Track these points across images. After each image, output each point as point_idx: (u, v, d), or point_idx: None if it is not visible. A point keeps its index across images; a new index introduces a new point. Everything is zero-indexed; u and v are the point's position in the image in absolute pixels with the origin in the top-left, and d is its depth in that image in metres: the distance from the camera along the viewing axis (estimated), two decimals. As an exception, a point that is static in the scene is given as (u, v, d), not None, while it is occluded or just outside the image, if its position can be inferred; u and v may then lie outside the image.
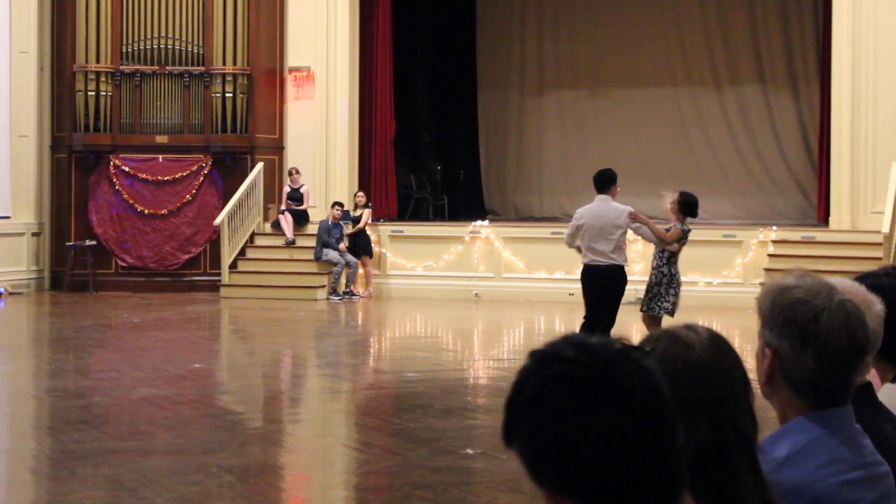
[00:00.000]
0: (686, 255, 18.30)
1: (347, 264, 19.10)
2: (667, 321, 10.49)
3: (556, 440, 1.47)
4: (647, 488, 1.48)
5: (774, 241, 18.02)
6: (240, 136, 20.03)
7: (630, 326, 13.13)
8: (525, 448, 1.51)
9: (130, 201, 20.08)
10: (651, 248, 11.58)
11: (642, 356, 1.52)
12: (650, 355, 1.57)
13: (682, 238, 10.73)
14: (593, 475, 1.46)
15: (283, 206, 20.06)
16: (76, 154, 20.12)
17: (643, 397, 1.48)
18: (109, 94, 19.87)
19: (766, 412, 2.20)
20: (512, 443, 1.53)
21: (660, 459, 1.49)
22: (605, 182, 10.87)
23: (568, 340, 1.52)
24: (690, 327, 2.09)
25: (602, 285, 10.51)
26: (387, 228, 19.90)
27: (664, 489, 1.50)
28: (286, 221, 19.84)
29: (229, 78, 19.89)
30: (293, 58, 20.34)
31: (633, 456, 1.46)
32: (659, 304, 10.74)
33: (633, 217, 10.65)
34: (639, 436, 1.47)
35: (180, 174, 20.11)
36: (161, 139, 20.09)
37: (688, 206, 10.77)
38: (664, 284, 10.76)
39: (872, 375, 2.77)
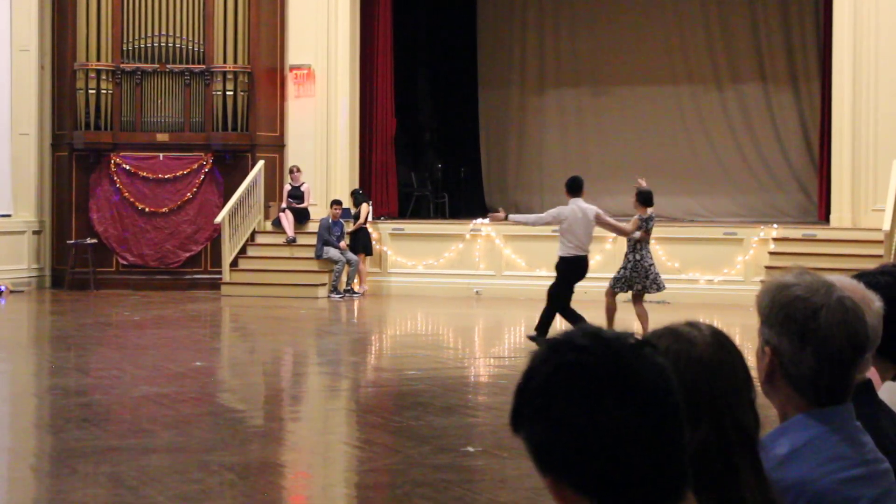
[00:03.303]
0: (687, 252, 18.46)
1: (348, 262, 19.10)
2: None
3: (564, 428, 1.47)
4: (651, 484, 1.48)
5: (775, 239, 18.02)
6: (241, 135, 20.03)
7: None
8: (532, 435, 1.51)
9: (131, 199, 20.09)
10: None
11: (654, 352, 1.52)
12: (661, 352, 1.57)
13: (642, 227, 12.68)
14: (598, 466, 1.46)
15: (283, 205, 20.06)
16: (77, 152, 20.12)
17: (653, 392, 1.48)
18: (110, 91, 19.87)
19: (766, 410, 2.20)
20: (519, 429, 1.53)
21: (665, 456, 1.48)
22: (574, 187, 13.00)
23: (582, 330, 1.52)
24: (693, 324, 2.08)
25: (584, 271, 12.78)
26: (387, 226, 19.90)
27: (668, 486, 1.50)
28: (287, 219, 19.84)
29: (230, 76, 19.89)
30: (294, 56, 20.33)
31: (638, 450, 1.46)
32: (618, 283, 12.78)
33: (597, 218, 12.79)
34: (646, 431, 1.47)
35: (181, 172, 20.11)
36: (162, 137, 20.09)
37: (644, 198, 12.86)
38: (629, 269, 12.72)
39: (872, 373, 2.76)
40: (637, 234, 12.72)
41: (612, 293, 12.91)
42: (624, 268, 12.81)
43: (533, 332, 12.76)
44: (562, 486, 1.49)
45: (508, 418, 1.54)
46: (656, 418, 1.47)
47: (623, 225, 12.95)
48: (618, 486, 1.47)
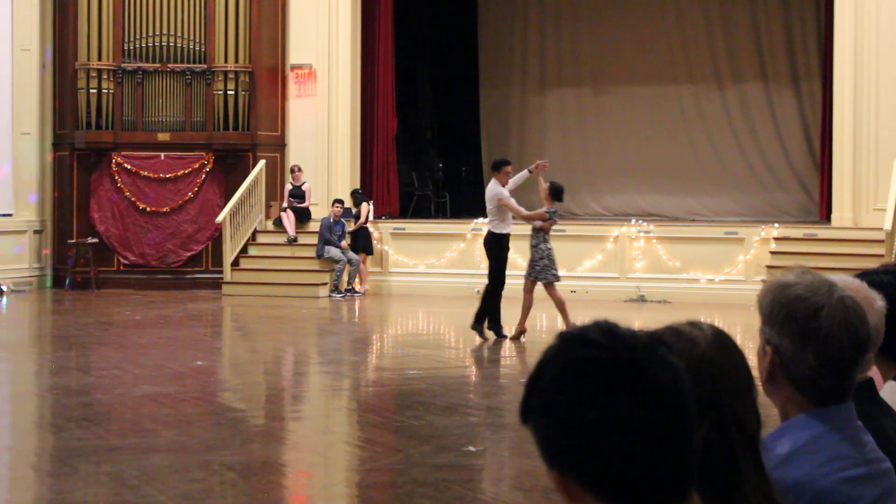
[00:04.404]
0: (688, 252, 18.46)
1: (349, 262, 19.11)
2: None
3: (574, 422, 1.47)
4: (658, 483, 1.48)
5: (776, 239, 18.01)
6: (242, 134, 20.03)
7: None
8: (541, 427, 1.51)
9: (132, 199, 20.09)
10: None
11: (669, 352, 1.52)
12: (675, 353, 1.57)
13: (549, 218, 13.36)
14: (605, 462, 1.46)
15: (284, 204, 20.07)
16: (78, 152, 20.13)
17: (666, 391, 1.48)
18: (111, 91, 19.87)
19: (768, 409, 2.20)
20: (528, 421, 1.53)
21: (673, 456, 1.48)
22: (492, 168, 13.96)
23: (597, 325, 1.52)
24: (694, 324, 2.08)
25: (484, 246, 13.87)
26: (388, 226, 19.91)
27: (674, 486, 1.49)
28: (288, 219, 19.85)
29: (231, 75, 19.89)
30: (295, 55, 20.34)
31: (647, 449, 1.46)
32: (546, 273, 13.30)
33: (500, 202, 13.42)
34: (656, 430, 1.46)
35: (182, 172, 20.12)
36: (163, 137, 20.09)
37: (555, 192, 13.46)
38: (548, 257, 13.33)
39: (874, 373, 2.76)
40: (538, 223, 13.36)
41: (551, 288, 13.40)
42: (542, 258, 13.36)
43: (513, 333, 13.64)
44: (568, 481, 1.49)
45: (518, 409, 1.54)
46: (667, 418, 1.47)
47: (523, 210, 13.59)
48: (624, 484, 1.47)
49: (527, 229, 13.80)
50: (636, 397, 1.46)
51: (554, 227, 19.65)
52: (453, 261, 19.30)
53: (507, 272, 13.88)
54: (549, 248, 13.37)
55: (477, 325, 13.71)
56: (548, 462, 1.51)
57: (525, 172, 14.09)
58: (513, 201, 13.59)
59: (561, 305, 13.44)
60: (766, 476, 2.02)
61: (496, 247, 13.65)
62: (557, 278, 13.44)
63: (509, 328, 13.75)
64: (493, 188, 13.64)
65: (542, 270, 13.31)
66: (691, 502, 1.52)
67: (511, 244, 13.85)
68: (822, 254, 16.91)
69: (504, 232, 13.60)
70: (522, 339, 13.63)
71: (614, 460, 1.46)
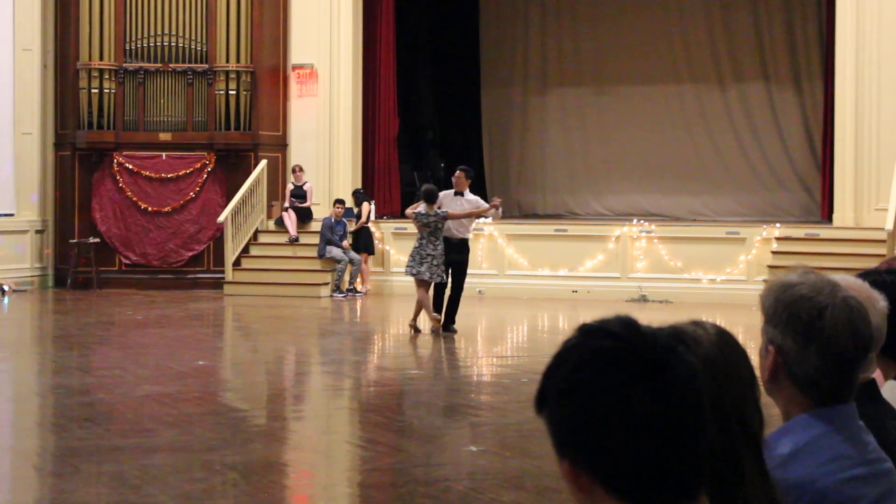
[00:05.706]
0: (690, 252, 18.47)
1: (351, 261, 19.11)
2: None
3: (590, 413, 1.47)
4: (667, 480, 1.47)
5: (778, 239, 18.01)
6: (243, 134, 20.03)
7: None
8: (556, 417, 1.50)
9: (134, 199, 20.09)
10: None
11: (688, 351, 1.52)
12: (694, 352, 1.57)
13: (416, 219, 13.82)
14: (618, 455, 1.46)
15: (286, 204, 20.07)
16: (80, 151, 20.13)
17: (683, 388, 1.48)
18: (113, 91, 19.87)
19: (770, 409, 2.19)
20: (542, 410, 1.52)
21: (686, 454, 1.48)
22: None
23: (619, 319, 1.52)
24: (697, 323, 2.08)
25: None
26: (390, 226, 19.91)
27: (683, 485, 1.49)
28: (289, 219, 19.85)
29: (233, 75, 19.89)
30: (296, 55, 20.34)
31: (660, 444, 1.46)
32: (409, 268, 13.91)
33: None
34: (671, 425, 1.46)
35: (184, 172, 20.12)
36: (164, 137, 20.09)
37: (425, 195, 13.91)
38: (412, 254, 13.88)
39: (876, 373, 2.76)
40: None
41: (419, 283, 13.90)
42: (410, 255, 14.01)
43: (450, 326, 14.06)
44: (578, 472, 1.49)
45: (534, 398, 1.54)
46: (682, 415, 1.47)
47: (409, 210, 14.32)
48: (634, 478, 1.46)
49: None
50: (653, 392, 1.46)
51: (556, 227, 19.75)
52: (455, 261, 19.27)
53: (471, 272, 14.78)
54: (415, 248, 13.88)
55: (448, 324, 14.10)
56: (560, 452, 1.51)
57: (494, 210, 14.57)
58: (415, 206, 14.20)
59: (419, 303, 13.97)
60: (767, 476, 2.02)
61: (467, 250, 14.38)
62: (413, 273, 13.85)
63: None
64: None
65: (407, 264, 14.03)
66: (700, 503, 1.52)
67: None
68: (823, 254, 16.91)
69: (467, 237, 14.39)
70: (420, 330, 14.11)
71: (627, 453, 1.46)
